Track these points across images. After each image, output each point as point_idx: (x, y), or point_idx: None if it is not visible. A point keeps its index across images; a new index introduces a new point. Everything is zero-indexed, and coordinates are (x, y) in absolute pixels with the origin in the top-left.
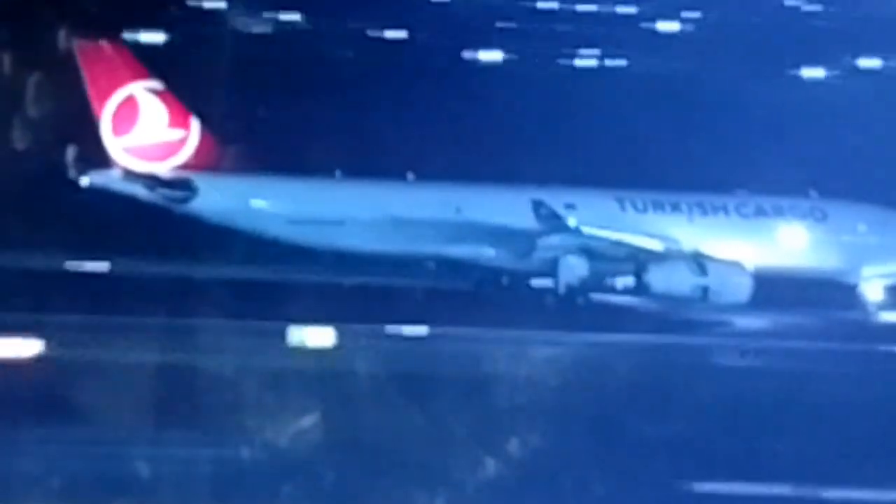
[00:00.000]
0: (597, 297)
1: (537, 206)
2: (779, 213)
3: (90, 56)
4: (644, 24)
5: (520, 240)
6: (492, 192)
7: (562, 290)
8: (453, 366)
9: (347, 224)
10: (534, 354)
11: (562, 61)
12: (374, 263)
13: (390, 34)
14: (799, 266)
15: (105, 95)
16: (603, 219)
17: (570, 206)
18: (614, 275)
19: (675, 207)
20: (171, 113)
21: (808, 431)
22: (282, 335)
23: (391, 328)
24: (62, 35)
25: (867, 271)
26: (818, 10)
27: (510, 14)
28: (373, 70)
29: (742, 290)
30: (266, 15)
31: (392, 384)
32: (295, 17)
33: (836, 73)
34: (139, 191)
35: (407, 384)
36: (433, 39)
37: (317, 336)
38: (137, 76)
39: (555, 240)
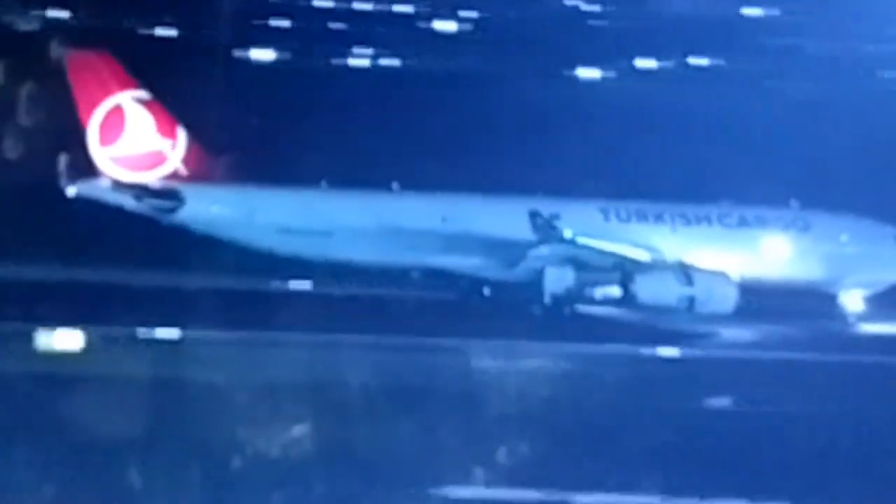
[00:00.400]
0: (583, 307)
1: (533, 216)
2: (762, 223)
3: (78, 66)
4: (421, 24)
5: (508, 250)
6: (479, 202)
7: (548, 300)
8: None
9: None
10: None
11: (335, 60)
12: (362, 273)
13: (161, 32)
14: (781, 276)
15: (92, 105)
16: (587, 229)
17: (554, 216)
18: (602, 285)
19: (659, 218)
20: (158, 123)
21: (579, 437)
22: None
23: (143, 331)
24: (52, 45)
25: (848, 281)
26: (597, 10)
27: (285, 12)
28: (139, 67)
29: (728, 300)
30: (34, 12)
31: (135, 388)
32: (63, 14)
33: (612, 73)
34: (127, 201)
35: (153, 388)
36: (204, 37)
37: (65, 339)
38: (125, 86)
39: (544, 250)
